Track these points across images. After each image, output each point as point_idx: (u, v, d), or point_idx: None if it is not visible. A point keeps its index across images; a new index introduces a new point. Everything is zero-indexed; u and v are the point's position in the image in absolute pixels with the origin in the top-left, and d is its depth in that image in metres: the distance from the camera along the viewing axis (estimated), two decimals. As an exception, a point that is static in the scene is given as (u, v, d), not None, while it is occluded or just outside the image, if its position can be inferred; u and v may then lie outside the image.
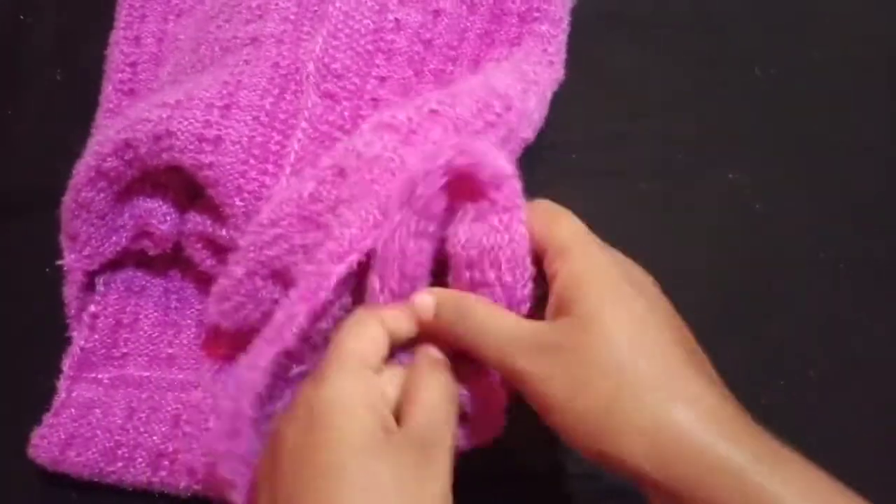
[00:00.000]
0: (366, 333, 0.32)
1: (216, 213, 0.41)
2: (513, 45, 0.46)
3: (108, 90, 0.47)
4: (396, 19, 0.45)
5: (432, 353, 0.33)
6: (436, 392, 0.32)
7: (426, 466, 0.29)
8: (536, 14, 0.46)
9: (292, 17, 0.43)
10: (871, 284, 0.45)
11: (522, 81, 0.43)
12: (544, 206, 0.34)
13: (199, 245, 0.42)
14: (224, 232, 0.41)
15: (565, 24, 0.47)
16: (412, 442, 0.30)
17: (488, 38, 0.47)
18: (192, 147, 0.38)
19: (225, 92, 0.40)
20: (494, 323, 0.32)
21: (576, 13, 0.48)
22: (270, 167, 0.40)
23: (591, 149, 0.48)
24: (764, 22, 0.51)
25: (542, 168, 0.46)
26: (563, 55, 0.47)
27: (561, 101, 0.46)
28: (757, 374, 0.43)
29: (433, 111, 0.38)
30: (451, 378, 0.33)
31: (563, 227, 0.33)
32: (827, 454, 0.42)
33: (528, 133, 0.43)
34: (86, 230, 0.41)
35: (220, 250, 0.42)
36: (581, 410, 0.29)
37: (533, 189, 0.45)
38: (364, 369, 0.31)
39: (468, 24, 0.47)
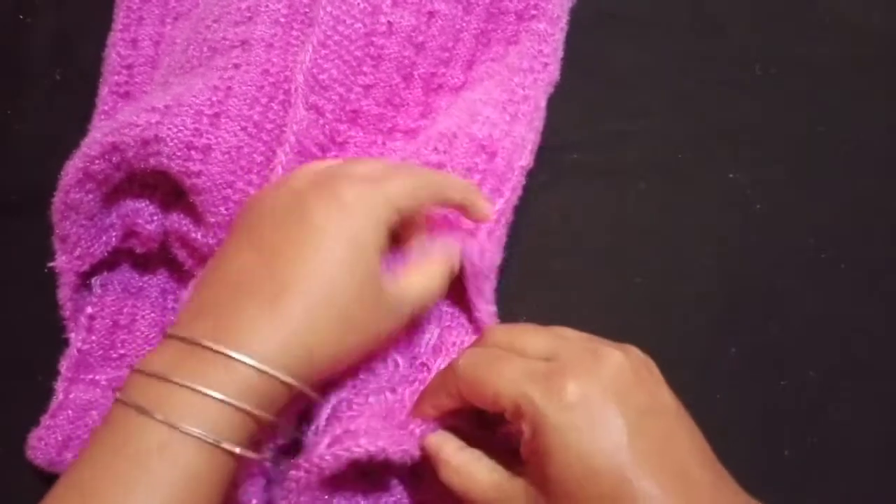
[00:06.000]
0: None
1: (197, 215, 0.41)
2: (509, 43, 0.46)
3: (104, 92, 0.47)
4: (389, 22, 0.44)
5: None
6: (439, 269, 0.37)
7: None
8: (534, 12, 0.46)
9: (282, 19, 0.43)
10: (871, 284, 0.45)
11: (510, 104, 0.43)
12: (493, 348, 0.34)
13: (178, 244, 0.43)
14: (200, 236, 0.41)
15: (563, 24, 0.47)
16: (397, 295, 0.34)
17: (484, 37, 0.47)
18: (180, 154, 0.38)
19: (214, 99, 0.40)
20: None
21: (575, 12, 0.48)
22: (255, 178, 0.40)
23: (591, 149, 0.48)
24: (764, 22, 0.51)
25: (542, 168, 0.46)
26: (559, 55, 0.46)
27: (561, 101, 0.46)
28: (757, 374, 0.43)
29: None
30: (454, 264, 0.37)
31: (508, 385, 0.32)
32: (827, 454, 0.42)
33: (527, 160, 0.43)
34: (75, 231, 0.41)
35: (199, 253, 0.42)
36: None
37: (533, 189, 0.46)
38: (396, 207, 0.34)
39: (463, 24, 0.46)
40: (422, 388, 0.38)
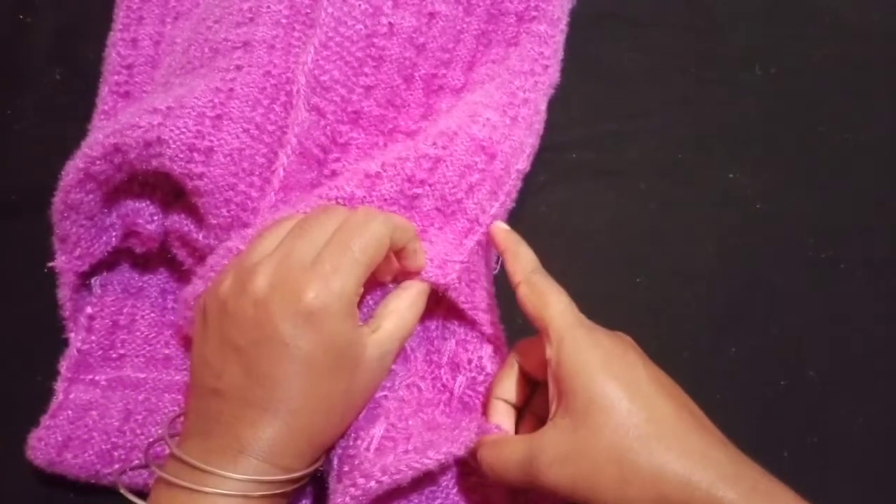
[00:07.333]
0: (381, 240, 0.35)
1: (198, 216, 0.41)
2: (510, 45, 0.46)
3: (104, 92, 0.47)
4: (390, 23, 0.44)
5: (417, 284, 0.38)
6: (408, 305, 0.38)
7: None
8: (535, 13, 0.46)
9: (284, 21, 0.43)
10: (871, 284, 0.45)
11: (511, 107, 0.43)
12: (538, 285, 0.37)
13: (178, 244, 0.43)
14: (201, 237, 0.41)
15: (563, 25, 0.47)
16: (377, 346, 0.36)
17: (485, 38, 0.47)
18: (183, 156, 0.38)
19: (217, 101, 0.40)
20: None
21: (575, 12, 0.48)
22: (257, 180, 0.40)
23: (591, 149, 0.48)
24: (764, 22, 0.51)
25: (542, 168, 0.46)
26: (559, 57, 0.46)
27: (560, 101, 0.46)
28: (757, 374, 0.43)
29: (416, 196, 0.40)
30: (422, 301, 0.38)
31: (552, 310, 0.35)
32: (827, 454, 0.42)
33: (524, 164, 0.43)
34: (75, 231, 0.41)
35: (199, 252, 0.42)
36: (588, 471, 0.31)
37: (533, 189, 0.46)
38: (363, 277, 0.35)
39: (464, 25, 0.46)
40: (447, 409, 0.39)
